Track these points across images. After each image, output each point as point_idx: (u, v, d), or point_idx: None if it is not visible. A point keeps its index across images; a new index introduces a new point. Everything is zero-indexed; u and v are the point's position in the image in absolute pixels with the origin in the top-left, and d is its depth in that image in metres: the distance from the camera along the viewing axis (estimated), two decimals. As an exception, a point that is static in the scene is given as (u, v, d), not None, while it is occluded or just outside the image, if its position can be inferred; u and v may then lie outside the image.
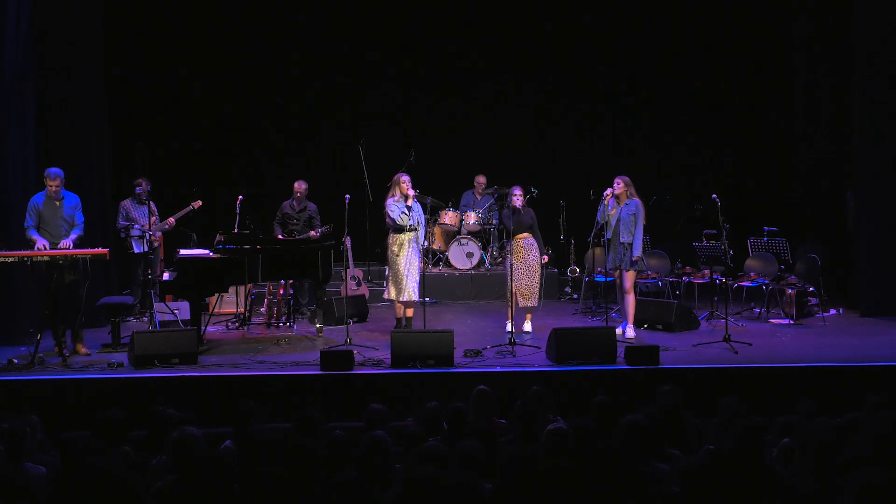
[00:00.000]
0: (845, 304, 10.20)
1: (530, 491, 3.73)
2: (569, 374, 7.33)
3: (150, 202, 9.73)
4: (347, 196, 8.93)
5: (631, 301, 8.60)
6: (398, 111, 12.51)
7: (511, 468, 3.87)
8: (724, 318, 8.59)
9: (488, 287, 11.13)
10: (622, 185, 8.56)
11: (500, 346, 8.19)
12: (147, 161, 9.94)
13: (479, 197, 11.78)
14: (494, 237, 11.64)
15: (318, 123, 12.34)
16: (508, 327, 8.67)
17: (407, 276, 8.66)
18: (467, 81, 12.51)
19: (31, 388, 7.17)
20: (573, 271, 11.37)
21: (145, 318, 9.33)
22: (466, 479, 3.82)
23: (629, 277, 8.51)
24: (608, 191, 8.62)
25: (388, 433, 4.55)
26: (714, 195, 8.74)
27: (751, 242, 10.47)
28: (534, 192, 10.62)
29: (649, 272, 10.24)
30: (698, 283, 10.31)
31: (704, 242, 9.90)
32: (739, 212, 10.69)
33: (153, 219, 9.66)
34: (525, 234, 8.92)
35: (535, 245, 8.93)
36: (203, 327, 8.56)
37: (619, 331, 8.44)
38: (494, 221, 11.34)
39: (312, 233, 9.98)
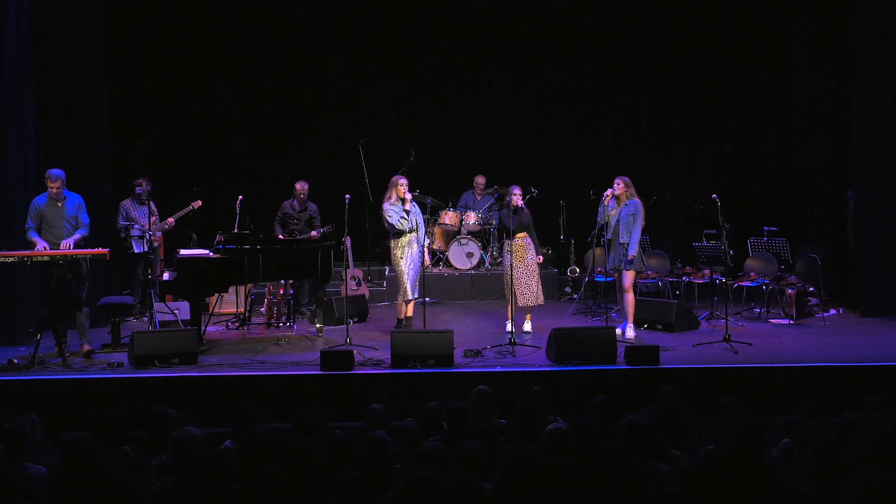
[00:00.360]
0: (845, 304, 10.19)
1: (530, 491, 3.74)
2: (569, 374, 7.33)
3: (150, 202, 9.73)
4: (347, 196, 8.93)
5: (630, 300, 8.60)
6: (398, 111, 12.51)
7: (511, 468, 3.87)
8: (724, 318, 8.60)
9: (488, 287, 11.12)
10: (622, 185, 8.56)
11: (500, 346, 8.20)
12: (147, 161, 9.93)
13: (478, 197, 11.78)
14: (494, 237, 11.62)
15: (318, 123, 12.35)
16: (508, 327, 8.67)
17: (408, 273, 8.66)
18: (467, 81, 12.51)
19: (31, 388, 7.17)
20: (573, 271, 11.36)
21: (145, 318, 9.33)
22: (466, 479, 3.82)
23: (628, 276, 8.51)
24: (608, 191, 8.63)
25: (388, 433, 4.55)
26: (714, 195, 8.74)
27: (751, 242, 10.46)
28: (534, 192, 10.63)
29: (649, 272, 10.24)
30: (698, 283, 10.31)
31: (704, 242, 9.89)
32: (739, 212, 10.66)
33: (153, 219, 9.66)
34: (524, 234, 8.92)
35: (532, 245, 8.94)
36: (203, 327, 8.55)
37: (619, 331, 8.43)
38: (494, 221, 11.33)
39: (314, 233, 9.99)
